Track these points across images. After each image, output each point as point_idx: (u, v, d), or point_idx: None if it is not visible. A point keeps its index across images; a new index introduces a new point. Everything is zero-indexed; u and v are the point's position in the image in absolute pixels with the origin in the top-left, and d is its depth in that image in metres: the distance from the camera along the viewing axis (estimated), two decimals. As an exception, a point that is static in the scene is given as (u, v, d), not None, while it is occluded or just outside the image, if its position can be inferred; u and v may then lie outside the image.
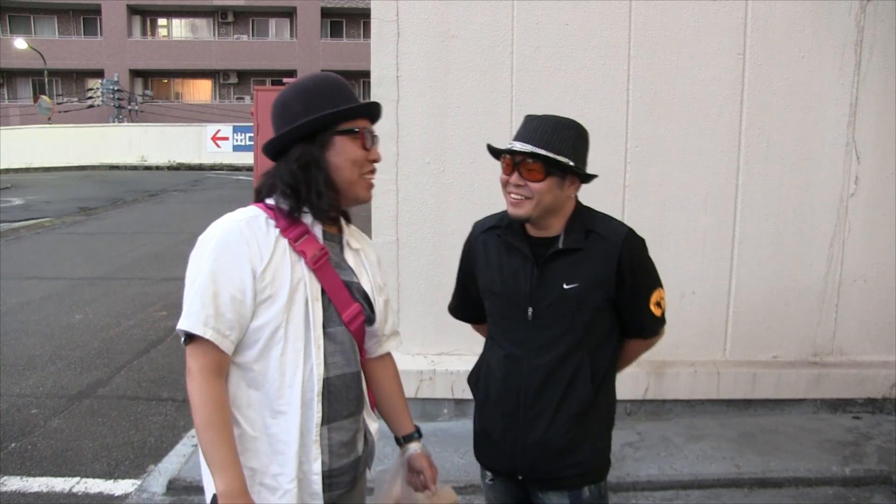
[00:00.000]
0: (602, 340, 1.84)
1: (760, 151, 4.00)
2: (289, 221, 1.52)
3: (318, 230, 1.56)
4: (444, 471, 3.47)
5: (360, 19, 33.71)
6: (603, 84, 3.92)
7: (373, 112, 1.61)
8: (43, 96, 28.76)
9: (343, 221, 1.68)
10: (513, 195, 1.76)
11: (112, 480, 3.72)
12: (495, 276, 1.88)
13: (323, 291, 1.53)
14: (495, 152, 1.84)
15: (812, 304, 4.15)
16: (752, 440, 3.82)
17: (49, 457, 3.96)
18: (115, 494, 3.57)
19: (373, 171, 1.61)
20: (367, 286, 1.65)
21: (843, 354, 4.21)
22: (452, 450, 3.63)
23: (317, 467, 1.52)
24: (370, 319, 1.64)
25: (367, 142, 1.57)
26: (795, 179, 4.04)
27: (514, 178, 1.75)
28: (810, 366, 4.15)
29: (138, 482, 3.64)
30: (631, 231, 1.83)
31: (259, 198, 1.57)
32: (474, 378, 2.03)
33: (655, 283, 1.87)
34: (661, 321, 1.90)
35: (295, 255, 1.51)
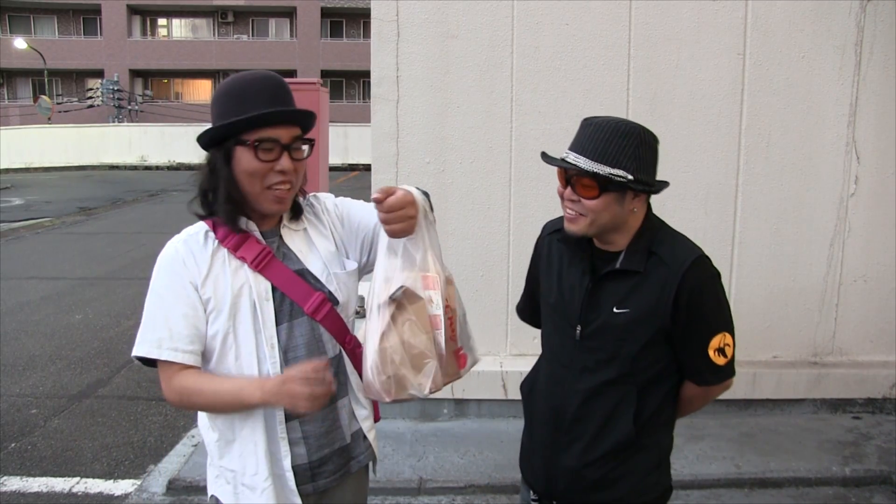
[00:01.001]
0: (655, 378, 1.64)
1: (760, 151, 4.01)
2: (227, 230, 1.53)
3: (256, 232, 1.56)
4: (443, 471, 3.48)
5: (360, 19, 33.71)
6: (603, 84, 3.92)
7: (276, 119, 1.46)
8: (43, 96, 28.75)
9: (283, 215, 1.63)
10: (568, 210, 1.61)
11: (112, 480, 3.72)
12: (553, 285, 1.75)
13: (275, 289, 1.54)
14: (550, 162, 1.66)
15: (812, 304, 4.15)
16: (752, 440, 3.82)
17: (49, 457, 3.96)
18: (115, 494, 3.57)
19: (283, 182, 1.49)
20: (317, 268, 1.61)
21: (843, 354, 4.21)
22: (452, 450, 3.63)
23: (287, 464, 1.55)
24: (335, 300, 1.60)
25: (265, 153, 1.45)
26: (795, 179, 4.04)
27: (568, 192, 1.59)
28: (810, 366, 4.15)
29: (138, 482, 3.65)
30: (699, 259, 1.60)
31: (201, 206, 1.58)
32: (526, 388, 1.88)
33: (720, 325, 1.63)
34: (722, 372, 1.65)
35: (237, 261, 1.53)
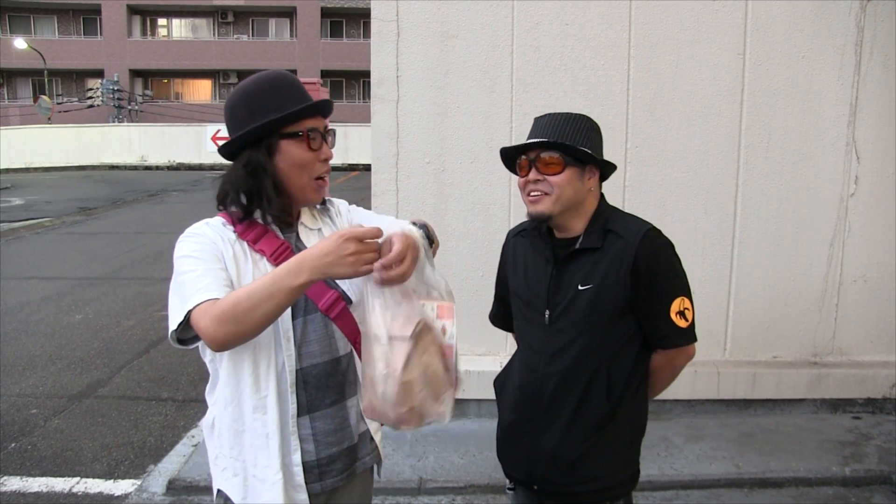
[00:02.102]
0: (621, 349, 1.73)
1: (760, 151, 4.01)
2: (245, 225, 1.54)
3: (275, 227, 1.57)
4: (443, 471, 3.48)
5: (360, 19, 33.72)
6: (603, 84, 3.92)
7: (320, 110, 1.55)
8: (43, 96, 28.76)
9: (301, 213, 1.65)
10: (532, 193, 1.71)
11: (112, 480, 3.72)
12: (521, 280, 1.85)
13: None
14: (509, 153, 1.77)
15: (812, 304, 4.15)
16: (752, 440, 3.82)
17: (49, 457, 3.96)
18: (115, 494, 3.57)
19: (326, 171, 1.56)
20: None
21: (843, 354, 4.21)
22: (452, 450, 3.63)
23: (297, 458, 1.55)
24: (348, 300, 1.61)
25: (314, 142, 1.52)
26: (795, 179, 4.04)
27: (533, 174, 1.69)
28: (810, 366, 4.15)
29: (138, 482, 3.64)
30: (652, 230, 1.72)
31: (222, 206, 1.57)
32: (499, 383, 1.97)
33: (678, 289, 1.73)
34: (685, 334, 1.73)
35: (256, 255, 1.53)
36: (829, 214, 4.07)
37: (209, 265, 1.47)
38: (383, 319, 1.39)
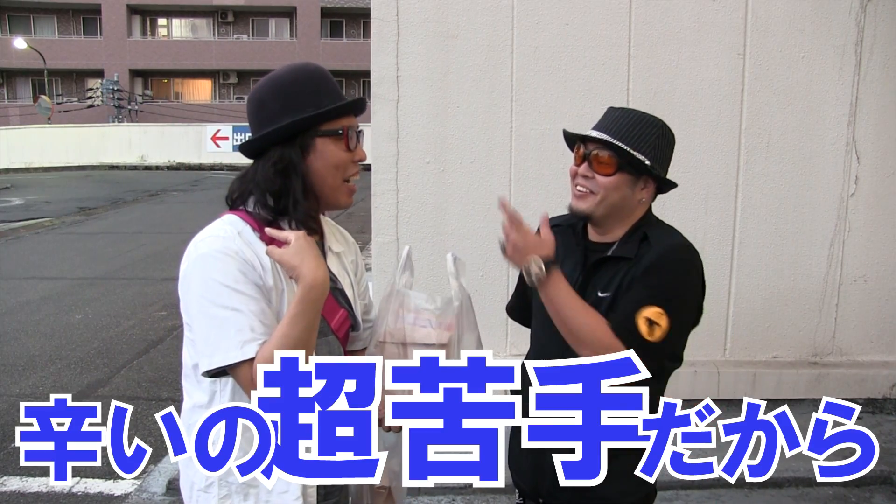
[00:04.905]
0: None
1: (760, 151, 4.01)
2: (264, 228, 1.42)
3: None
4: (444, 471, 3.48)
5: (360, 19, 33.69)
6: (603, 84, 3.92)
7: (358, 108, 1.47)
8: (43, 96, 28.75)
9: (324, 225, 1.58)
10: (578, 187, 1.62)
11: (112, 480, 3.71)
12: None
13: None
14: (570, 138, 1.67)
15: (812, 304, 4.15)
16: (752, 440, 3.82)
17: (49, 457, 3.96)
18: (115, 494, 3.57)
19: (356, 174, 1.47)
20: (349, 291, 1.57)
21: (843, 354, 4.21)
22: (452, 450, 3.62)
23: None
24: (355, 325, 1.57)
25: (352, 142, 1.43)
26: (795, 179, 4.04)
27: (584, 168, 1.60)
28: (810, 366, 4.15)
29: (138, 482, 3.64)
30: (680, 245, 1.60)
31: (234, 205, 1.46)
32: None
33: (660, 301, 1.51)
34: (641, 342, 1.48)
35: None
36: (829, 214, 4.08)
37: (251, 299, 1.32)
38: (426, 332, 1.48)
